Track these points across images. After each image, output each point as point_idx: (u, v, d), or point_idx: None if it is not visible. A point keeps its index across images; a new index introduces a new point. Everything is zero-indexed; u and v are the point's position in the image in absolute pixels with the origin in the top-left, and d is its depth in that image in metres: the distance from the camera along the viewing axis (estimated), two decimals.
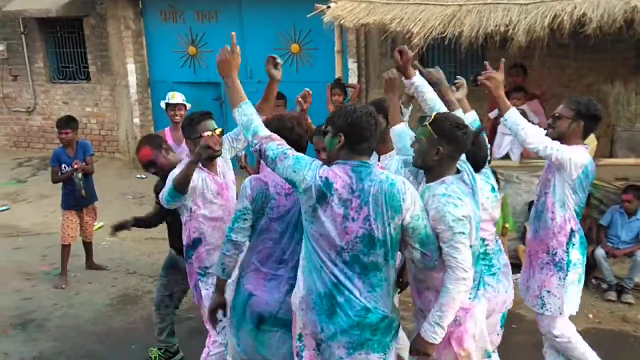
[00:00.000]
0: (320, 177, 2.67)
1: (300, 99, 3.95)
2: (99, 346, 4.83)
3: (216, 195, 3.61)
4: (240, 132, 3.93)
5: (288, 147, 2.83)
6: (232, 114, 2.98)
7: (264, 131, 2.87)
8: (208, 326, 3.65)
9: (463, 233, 2.73)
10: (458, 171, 2.94)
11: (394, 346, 2.90)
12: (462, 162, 2.99)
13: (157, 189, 3.99)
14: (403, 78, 3.42)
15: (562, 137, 3.59)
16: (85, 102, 10.91)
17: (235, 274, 3.33)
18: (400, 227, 2.71)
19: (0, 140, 11.78)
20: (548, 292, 3.71)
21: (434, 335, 2.77)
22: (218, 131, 3.62)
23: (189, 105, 5.75)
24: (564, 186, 3.57)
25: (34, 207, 8.67)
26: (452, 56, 8.29)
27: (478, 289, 3.00)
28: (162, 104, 5.80)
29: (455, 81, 3.83)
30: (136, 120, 10.33)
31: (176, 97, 5.67)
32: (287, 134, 3.05)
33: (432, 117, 2.90)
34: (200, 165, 3.52)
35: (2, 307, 5.51)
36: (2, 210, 8.50)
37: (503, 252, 3.60)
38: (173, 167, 3.71)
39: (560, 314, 3.72)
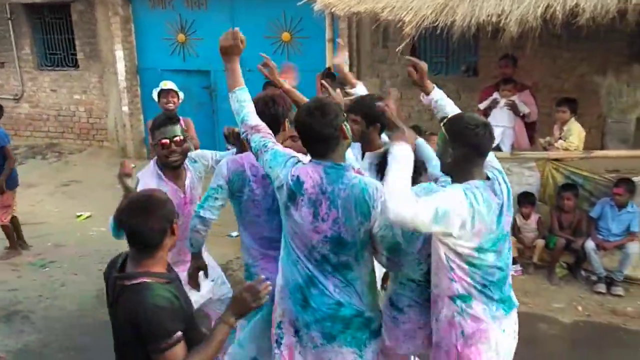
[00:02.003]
0: (292, 175, 2.67)
1: (261, 68, 3.55)
2: (84, 338, 4.77)
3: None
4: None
5: (271, 140, 2.82)
6: (229, 97, 2.94)
7: (252, 120, 2.87)
8: None
9: (441, 208, 2.46)
10: (488, 178, 2.70)
11: (373, 346, 2.85)
12: (497, 170, 2.75)
13: None
14: (422, 95, 3.16)
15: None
16: (74, 89, 10.78)
17: None
18: (368, 234, 2.67)
19: None
20: None
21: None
22: (177, 139, 3.47)
23: (182, 94, 5.66)
24: None
25: (21, 197, 8.51)
26: (443, 46, 8.23)
27: (497, 309, 2.71)
28: (154, 94, 5.68)
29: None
30: (125, 109, 10.21)
31: (168, 84, 5.59)
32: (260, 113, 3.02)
33: (448, 117, 2.77)
34: (164, 176, 3.45)
35: None
36: None
37: None
38: None
39: None
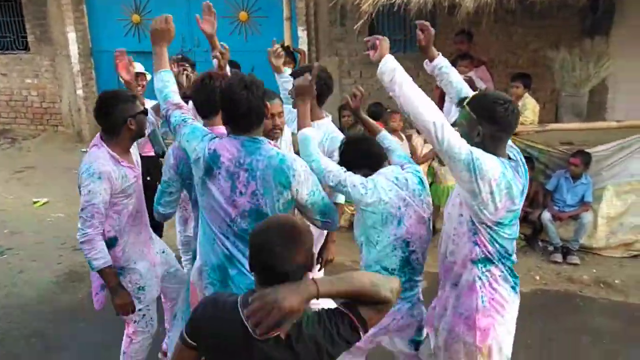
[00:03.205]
0: (209, 149, 2.68)
1: (218, 55, 3.73)
2: (45, 325, 4.69)
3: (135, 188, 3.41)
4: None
5: (190, 116, 2.86)
6: (153, 78, 3.01)
7: (175, 99, 2.92)
8: (126, 317, 3.51)
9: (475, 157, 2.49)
10: (509, 158, 2.67)
11: None
12: (516, 150, 2.75)
13: None
14: (425, 61, 3.14)
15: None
16: (25, 73, 10.44)
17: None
18: (290, 202, 2.70)
19: None
20: None
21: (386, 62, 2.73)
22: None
23: (149, 76, 5.56)
24: None
25: None
26: (401, 23, 8.25)
27: (511, 280, 2.78)
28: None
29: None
30: (79, 92, 9.97)
31: (137, 67, 5.47)
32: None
33: (471, 96, 2.69)
34: (119, 159, 3.27)
35: None
36: None
37: None
38: None
39: None
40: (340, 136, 3.54)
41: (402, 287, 2.57)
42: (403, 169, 3.00)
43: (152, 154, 4.79)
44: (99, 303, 3.51)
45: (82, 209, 3.17)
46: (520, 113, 2.72)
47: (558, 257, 5.63)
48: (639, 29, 6.94)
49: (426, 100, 2.60)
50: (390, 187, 2.85)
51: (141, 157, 3.65)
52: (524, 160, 2.75)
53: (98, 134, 3.36)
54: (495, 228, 2.64)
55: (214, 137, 2.73)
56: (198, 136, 2.74)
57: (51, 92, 10.39)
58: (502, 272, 2.74)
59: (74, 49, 9.78)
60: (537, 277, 5.35)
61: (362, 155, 3.03)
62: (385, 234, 2.86)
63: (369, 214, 2.84)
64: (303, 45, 8.49)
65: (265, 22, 8.88)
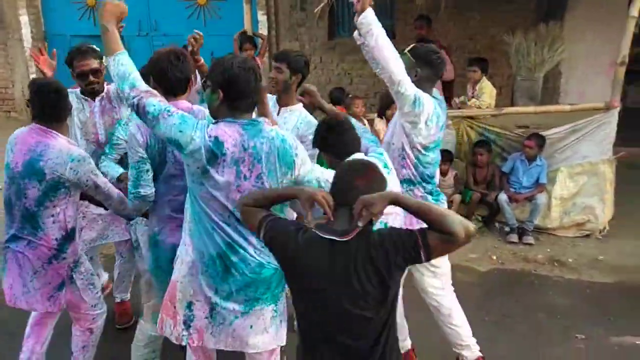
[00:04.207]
0: (210, 136, 2.53)
1: (192, 40, 3.65)
2: (2, 312, 4.59)
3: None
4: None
5: (170, 105, 2.65)
6: (107, 62, 2.71)
7: (143, 85, 2.66)
8: (79, 315, 3.48)
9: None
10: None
11: (283, 295, 2.87)
12: (437, 92, 3.50)
13: None
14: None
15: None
16: None
17: None
18: (293, 182, 2.69)
19: None
20: None
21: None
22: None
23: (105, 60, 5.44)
24: None
25: None
26: None
27: (431, 199, 3.45)
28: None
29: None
30: (33, 77, 9.71)
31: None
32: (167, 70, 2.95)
33: (411, 46, 3.42)
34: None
35: None
36: None
37: None
38: None
39: None
40: (314, 120, 3.54)
41: None
42: (367, 155, 3.06)
43: None
44: (57, 305, 3.35)
45: (109, 193, 3.19)
46: (446, 63, 3.50)
47: (514, 237, 5.78)
48: (591, 13, 7.14)
49: (394, 52, 3.19)
50: None
51: None
52: (443, 99, 3.54)
53: (36, 126, 3.20)
54: (423, 152, 3.37)
55: (207, 124, 2.59)
56: (190, 125, 2.53)
57: (3, 77, 10.12)
58: (423, 193, 3.45)
59: (26, 33, 9.54)
60: (494, 257, 5.49)
61: (343, 141, 3.05)
62: None
63: None
64: (263, 29, 8.44)
65: (224, 5, 8.80)
